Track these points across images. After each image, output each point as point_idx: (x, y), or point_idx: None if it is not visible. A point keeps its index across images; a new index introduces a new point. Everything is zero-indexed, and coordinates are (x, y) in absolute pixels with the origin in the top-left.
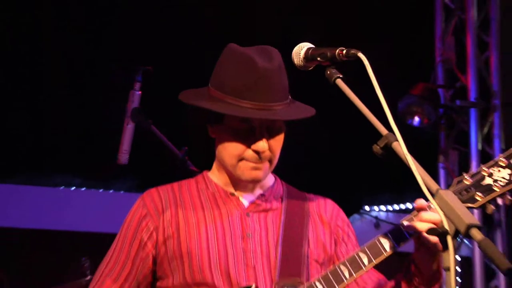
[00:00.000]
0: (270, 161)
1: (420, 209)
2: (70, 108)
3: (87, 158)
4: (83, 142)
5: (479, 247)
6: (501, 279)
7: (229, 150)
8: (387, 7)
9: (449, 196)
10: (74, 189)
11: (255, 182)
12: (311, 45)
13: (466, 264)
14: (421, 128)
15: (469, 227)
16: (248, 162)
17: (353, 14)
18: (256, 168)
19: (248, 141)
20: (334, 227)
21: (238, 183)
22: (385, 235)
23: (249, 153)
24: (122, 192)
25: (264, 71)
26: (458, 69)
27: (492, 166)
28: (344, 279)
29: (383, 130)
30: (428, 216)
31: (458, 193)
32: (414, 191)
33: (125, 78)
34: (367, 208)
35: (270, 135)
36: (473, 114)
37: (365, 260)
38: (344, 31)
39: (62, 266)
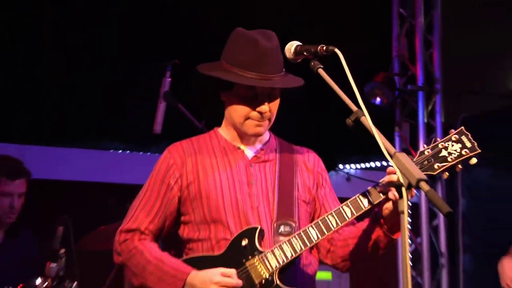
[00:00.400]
0: (269, 119)
1: (390, 173)
2: (121, 91)
3: (131, 129)
4: (129, 116)
5: (426, 195)
6: (441, 219)
7: (238, 111)
8: (359, 16)
9: (403, 157)
10: (121, 152)
11: (257, 136)
12: (299, 43)
13: (414, 208)
14: (381, 106)
15: (419, 180)
16: (253, 121)
17: (332, 19)
18: (259, 125)
19: (252, 105)
20: (316, 173)
21: (243, 137)
22: (364, 194)
23: (253, 114)
24: (156, 154)
25: (265, 49)
26: (409, 62)
27: (447, 140)
28: (332, 227)
29: (353, 107)
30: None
31: (421, 163)
32: (377, 153)
33: (159, 68)
34: (340, 166)
35: (269, 99)
36: (420, 95)
37: (348, 213)
38: (325, 33)
39: (108, 209)
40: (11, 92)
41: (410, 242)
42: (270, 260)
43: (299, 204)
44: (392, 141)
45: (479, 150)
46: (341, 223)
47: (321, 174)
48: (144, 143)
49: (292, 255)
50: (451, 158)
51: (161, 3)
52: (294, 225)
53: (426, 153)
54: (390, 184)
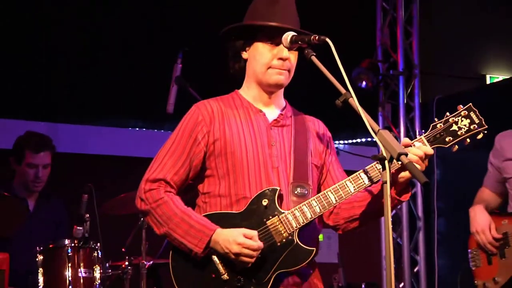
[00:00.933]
0: (289, 71)
1: (406, 145)
2: (139, 75)
3: (147, 109)
4: (145, 97)
5: (406, 167)
6: (418, 188)
7: (261, 61)
8: (347, 10)
9: (386, 133)
10: (138, 129)
11: (279, 86)
12: (295, 33)
13: None
14: (366, 89)
15: (399, 154)
16: (274, 69)
17: (323, 13)
18: (280, 74)
19: (274, 53)
20: (325, 141)
21: (263, 98)
22: (374, 165)
23: (275, 62)
24: (169, 131)
25: (285, 3)
26: (391, 50)
27: (457, 116)
28: (350, 192)
29: (342, 90)
30: (414, 151)
31: (433, 136)
32: (363, 131)
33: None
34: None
35: (289, 50)
36: (401, 79)
37: (365, 180)
38: (317, 25)
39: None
40: (46, 77)
41: None
42: (291, 220)
43: (312, 168)
44: (376, 120)
45: (486, 126)
46: (358, 189)
47: (329, 142)
48: (159, 121)
49: (311, 216)
50: (461, 133)
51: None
52: (308, 188)
53: (438, 126)
54: (375, 157)
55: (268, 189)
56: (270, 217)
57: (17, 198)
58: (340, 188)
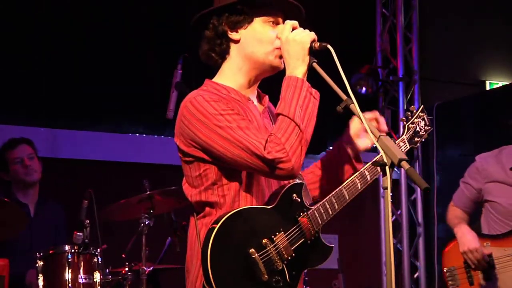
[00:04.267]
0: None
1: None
2: (139, 81)
3: (147, 114)
4: (145, 103)
5: (406, 173)
6: (418, 193)
7: (264, 39)
8: (349, 16)
9: (387, 139)
10: (138, 135)
11: (276, 70)
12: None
13: (395, 184)
14: (366, 95)
15: (400, 160)
16: (278, 50)
17: (325, 20)
18: (281, 57)
19: (275, 33)
20: None
21: (250, 85)
22: (375, 161)
23: (277, 42)
24: (169, 137)
25: None
26: (391, 55)
27: (417, 117)
28: (358, 189)
29: (343, 96)
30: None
31: (409, 138)
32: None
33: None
34: (331, 147)
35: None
36: (401, 85)
37: (368, 177)
38: (316, 30)
39: (128, 185)
40: (46, 83)
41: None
42: (317, 217)
43: None
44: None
45: (431, 127)
46: (364, 185)
47: None
48: (159, 127)
49: (332, 213)
50: (421, 133)
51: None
52: (302, 176)
53: (410, 127)
54: (376, 163)
55: (298, 183)
56: (301, 213)
57: (18, 204)
58: (351, 183)
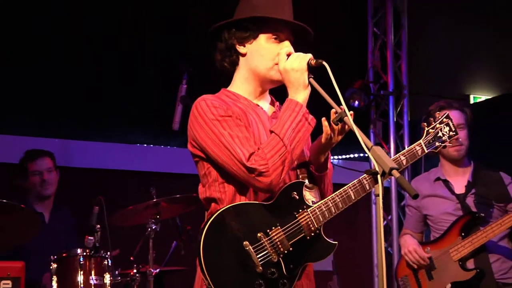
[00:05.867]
0: None
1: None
2: (146, 95)
3: (154, 126)
4: (152, 116)
5: (397, 181)
6: (408, 200)
7: (266, 56)
8: (341, 35)
9: (378, 149)
10: (145, 145)
11: (280, 82)
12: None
13: (386, 191)
14: (359, 108)
15: (391, 169)
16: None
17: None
18: None
19: (278, 49)
20: None
21: (260, 93)
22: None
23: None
24: (175, 147)
25: None
26: (382, 71)
27: (440, 122)
28: (366, 189)
29: (338, 109)
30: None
31: (428, 142)
32: (355, 147)
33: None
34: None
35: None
36: (391, 99)
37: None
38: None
39: (136, 193)
40: (60, 98)
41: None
42: (319, 214)
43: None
44: (368, 137)
45: (457, 133)
46: (372, 186)
47: None
48: (165, 138)
49: (335, 211)
50: (445, 138)
51: (178, 12)
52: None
53: (430, 132)
54: (368, 172)
55: (297, 182)
56: (300, 210)
57: (34, 211)
58: (358, 184)
